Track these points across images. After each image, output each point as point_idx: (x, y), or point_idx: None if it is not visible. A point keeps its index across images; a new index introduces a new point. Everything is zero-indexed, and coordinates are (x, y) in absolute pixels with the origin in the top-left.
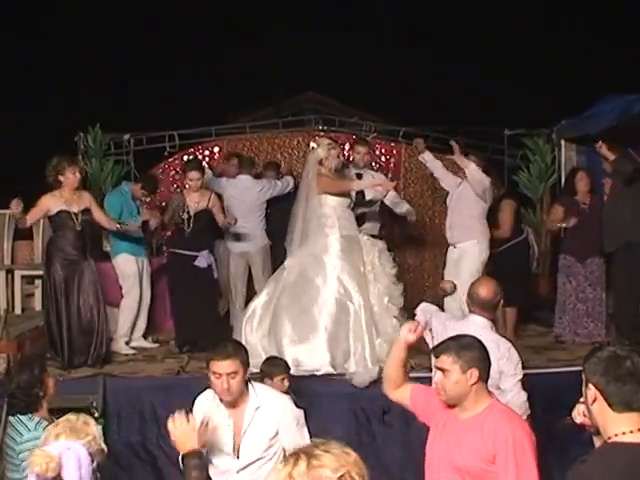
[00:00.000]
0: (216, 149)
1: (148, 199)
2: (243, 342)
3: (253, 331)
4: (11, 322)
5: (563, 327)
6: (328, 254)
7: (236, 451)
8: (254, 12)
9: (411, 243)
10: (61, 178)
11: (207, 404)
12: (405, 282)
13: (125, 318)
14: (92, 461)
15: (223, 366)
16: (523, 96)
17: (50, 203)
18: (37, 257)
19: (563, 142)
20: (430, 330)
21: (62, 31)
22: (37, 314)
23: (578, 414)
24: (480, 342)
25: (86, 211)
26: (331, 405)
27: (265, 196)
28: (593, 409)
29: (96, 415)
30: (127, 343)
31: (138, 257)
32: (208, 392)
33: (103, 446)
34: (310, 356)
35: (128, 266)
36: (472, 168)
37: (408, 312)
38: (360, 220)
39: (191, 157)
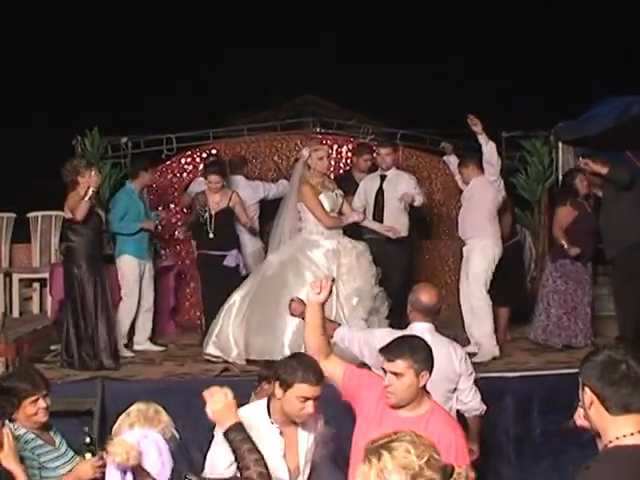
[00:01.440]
0: (214, 152)
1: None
2: (217, 330)
3: (230, 322)
4: (9, 325)
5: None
6: (303, 254)
7: (289, 471)
8: (253, 14)
9: (409, 246)
10: (80, 179)
11: (257, 419)
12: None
13: (123, 320)
14: (168, 448)
15: (315, 390)
16: (521, 98)
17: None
18: (35, 260)
19: (561, 144)
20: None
21: (60, 34)
22: (35, 317)
23: (579, 417)
24: (425, 342)
25: (97, 213)
26: (324, 408)
27: (257, 196)
28: (591, 413)
29: (87, 441)
30: (125, 346)
31: (141, 260)
32: (257, 405)
33: (175, 433)
34: (272, 345)
35: (130, 268)
36: (491, 145)
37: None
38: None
39: (211, 159)
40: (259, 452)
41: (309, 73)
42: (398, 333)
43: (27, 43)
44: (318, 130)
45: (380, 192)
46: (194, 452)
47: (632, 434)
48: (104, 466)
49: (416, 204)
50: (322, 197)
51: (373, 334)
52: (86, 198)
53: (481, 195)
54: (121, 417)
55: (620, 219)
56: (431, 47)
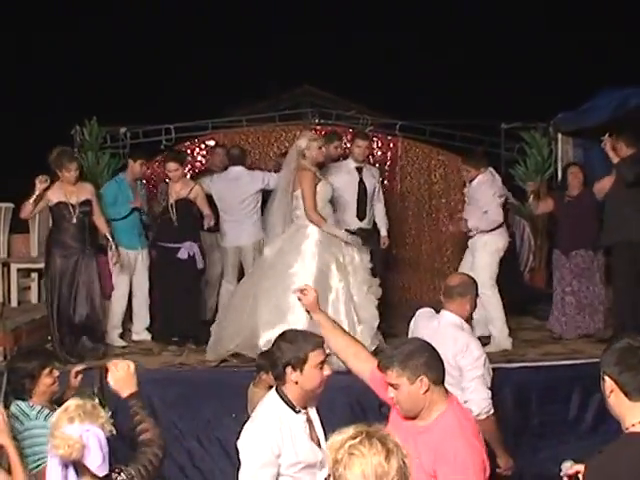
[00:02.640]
0: (212, 142)
1: (145, 167)
2: (216, 324)
3: (230, 314)
4: (7, 315)
5: (554, 320)
6: (307, 243)
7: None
8: (252, 5)
9: (408, 237)
10: (59, 172)
11: (282, 415)
12: (404, 275)
13: (115, 310)
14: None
15: (324, 349)
16: (520, 89)
17: (50, 194)
18: (33, 250)
19: (560, 135)
20: None
21: (59, 24)
22: (33, 307)
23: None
24: (426, 344)
25: (87, 202)
26: (326, 397)
27: (257, 186)
28: (611, 401)
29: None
30: (122, 336)
31: (132, 250)
32: (272, 403)
33: (113, 429)
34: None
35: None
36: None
37: (409, 306)
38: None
39: (171, 148)
40: (154, 418)
41: (308, 64)
42: (428, 316)
43: (26, 32)
44: (317, 121)
45: (361, 184)
46: (191, 441)
47: None
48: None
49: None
50: (320, 186)
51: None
52: (31, 200)
53: (484, 192)
54: (58, 411)
55: (624, 211)
56: (431, 38)
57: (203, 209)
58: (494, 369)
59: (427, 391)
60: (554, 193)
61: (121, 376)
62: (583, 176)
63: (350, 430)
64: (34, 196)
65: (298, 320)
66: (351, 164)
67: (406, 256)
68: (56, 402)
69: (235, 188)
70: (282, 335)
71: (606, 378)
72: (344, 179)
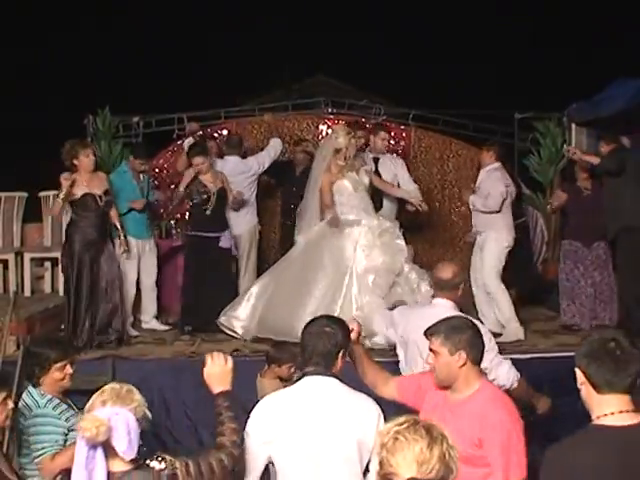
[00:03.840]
0: (225, 132)
1: (145, 167)
2: (238, 310)
3: (253, 302)
4: (21, 304)
5: (572, 314)
6: (331, 235)
7: None
8: None
9: (420, 227)
10: (76, 162)
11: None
12: (416, 264)
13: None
14: (139, 427)
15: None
16: (534, 79)
17: (74, 187)
18: (47, 239)
19: (574, 126)
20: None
21: (72, 13)
22: (46, 296)
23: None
24: (473, 324)
25: (107, 192)
26: None
27: (252, 172)
28: (582, 393)
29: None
30: (132, 325)
31: (139, 239)
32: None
33: (148, 413)
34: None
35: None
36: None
37: None
38: (377, 205)
39: (191, 143)
40: (239, 424)
41: (320, 54)
42: (417, 306)
43: (40, 24)
44: (329, 110)
45: (376, 175)
46: (203, 432)
47: (612, 413)
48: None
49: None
50: (345, 182)
51: (391, 312)
52: (59, 198)
53: (491, 187)
54: (95, 395)
55: (621, 200)
56: (444, 28)
57: (229, 196)
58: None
59: (463, 366)
60: (565, 186)
61: (216, 371)
62: (589, 167)
63: (402, 418)
64: (63, 194)
65: (310, 307)
66: (369, 155)
67: (419, 247)
68: None
69: (232, 178)
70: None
71: (577, 370)
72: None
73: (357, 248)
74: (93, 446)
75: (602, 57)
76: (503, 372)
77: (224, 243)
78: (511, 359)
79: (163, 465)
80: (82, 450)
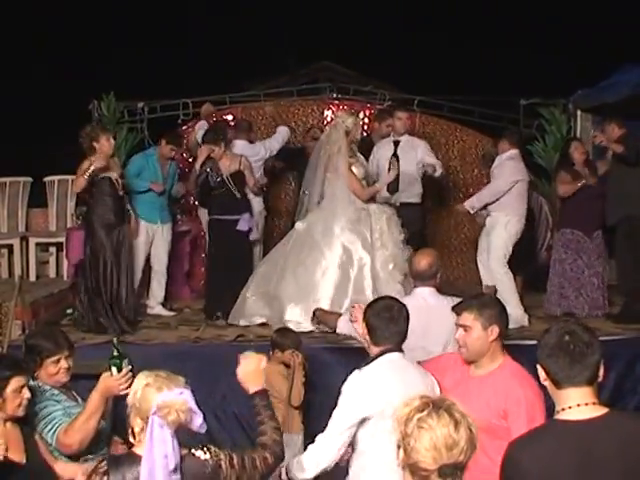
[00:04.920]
0: (230, 117)
1: (174, 154)
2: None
3: (256, 290)
4: (26, 289)
5: (574, 303)
6: (335, 221)
7: None
8: None
9: (424, 213)
10: (95, 145)
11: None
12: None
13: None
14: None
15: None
16: (539, 65)
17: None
18: (52, 224)
19: (579, 112)
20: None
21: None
22: (51, 281)
23: None
24: (498, 300)
25: (123, 176)
26: (342, 377)
27: (259, 157)
28: (548, 389)
29: (114, 354)
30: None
31: (151, 224)
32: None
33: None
34: (308, 316)
35: (137, 232)
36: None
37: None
38: (394, 185)
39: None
40: (277, 422)
41: (325, 40)
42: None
43: (43, 8)
44: (335, 96)
45: (394, 158)
46: (207, 416)
47: (570, 407)
48: (130, 384)
49: (437, 175)
50: (354, 168)
51: None
52: (86, 175)
53: (506, 166)
54: (138, 391)
55: (625, 187)
56: (449, 14)
57: (249, 180)
58: (510, 345)
59: (494, 340)
60: (568, 169)
61: (251, 370)
62: (585, 151)
63: (415, 401)
64: (89, 172)
65: (321, 298)
66: (391, 138)
67: (423, 232)
68: None
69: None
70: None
71: (538, 367)
72: (384, 155)
73: (371, 236)
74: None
75: (608, 43)
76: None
77: (242, 226)
78: (515, 345)
79: (208, 455)
80: (168, 440)
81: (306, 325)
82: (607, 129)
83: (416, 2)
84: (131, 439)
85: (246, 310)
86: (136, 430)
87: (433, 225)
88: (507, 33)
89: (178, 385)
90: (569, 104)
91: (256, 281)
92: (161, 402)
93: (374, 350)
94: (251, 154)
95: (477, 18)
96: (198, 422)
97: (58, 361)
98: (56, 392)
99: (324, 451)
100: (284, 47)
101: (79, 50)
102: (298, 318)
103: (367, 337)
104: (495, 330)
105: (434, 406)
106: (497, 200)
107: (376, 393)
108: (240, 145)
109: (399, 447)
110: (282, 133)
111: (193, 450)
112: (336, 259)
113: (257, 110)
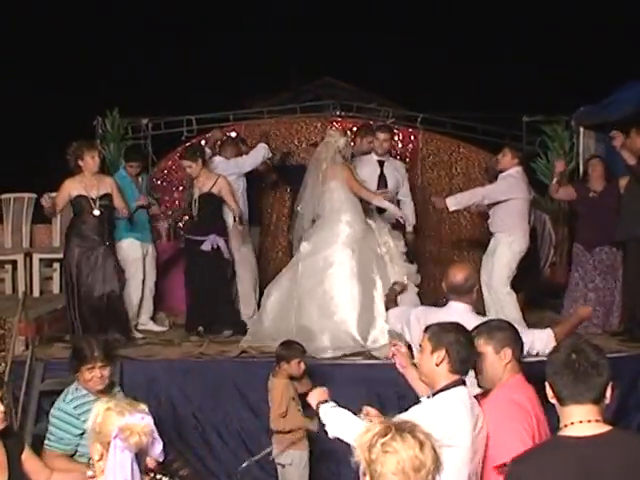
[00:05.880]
0: (233, 134)
1: (137, 170)
2: (255, 325)
3: (270, 317)
4: (29, 305)
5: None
6: (343, 239)
7: None
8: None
9: (428, 230)
10: (80, 162)
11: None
12: (423, 268)
13: (131, 302)
14: None
15: None
16: (542, 82)
17: (71, 187)
18: (55, 240)
19: (582, 129)
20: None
21: (81, 15)
22: (55, 297)
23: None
24: (509, 323)
25: (107, 196)
26: (346, 391)
27: (230, 173)
28: (556, 406)
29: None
30: (135, 327)
31: (143, 243)
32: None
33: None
34: (338, 336)
35: (133, 251)
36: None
37: (428, 298)
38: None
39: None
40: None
41: (328, 56)
42: (433, 310)
43: (49, 24)
44: (338, 113)
45: (382, 178)
46: (210, 433)
47: (572, 424)
48: None
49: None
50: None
51: (409, 311)
52: (58, 197)
53: (505, 187)
54: (99, 415)
55: (637, 206)
56: (452, 31)
57: (229, 202)
58: None
59: (509, 363)
60: (576, 185)
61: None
62: (604, 169)
63: (376, 427)
64: (62, 194)
65: (346, 320)
66: (374, 157)
67: (426, 249)
68: None
69: None
70: None
71: (546, 385)
72: (366, 172)
73: (380, 250)
74: (135, 454)
75: (610, 60)
76: (534, 339)
77: (205, 246)
78: None
79: None
80: (127, 464)
81: (336, 352)
82: (633, 136)
83: (418, 19)
84: (89, 472)
85: (263, 337)
86: (95, 458)
87: (436, 241)
88: (510, 50)
89: (140, 411)
90: (571, 121)
91: (270, 310)
92: (123, 424)
93: (450, 377)
94: (223, 170)
95: (479, 35)
96: (158, 449)
97: (92, 369)
98: (83, 401)
99: None
100: (287, 63)
101: (83, 66)
102: (327, 341)
103: (439, 367)
104: (508, 353)
105: (397, 429)
106: (501, 219)
107: (450, 422)
108: (216, 161)
109: (364, 475)
110: (259, 150)
111: (159, 476)
112: (354, 276)
113: (260, 127)
